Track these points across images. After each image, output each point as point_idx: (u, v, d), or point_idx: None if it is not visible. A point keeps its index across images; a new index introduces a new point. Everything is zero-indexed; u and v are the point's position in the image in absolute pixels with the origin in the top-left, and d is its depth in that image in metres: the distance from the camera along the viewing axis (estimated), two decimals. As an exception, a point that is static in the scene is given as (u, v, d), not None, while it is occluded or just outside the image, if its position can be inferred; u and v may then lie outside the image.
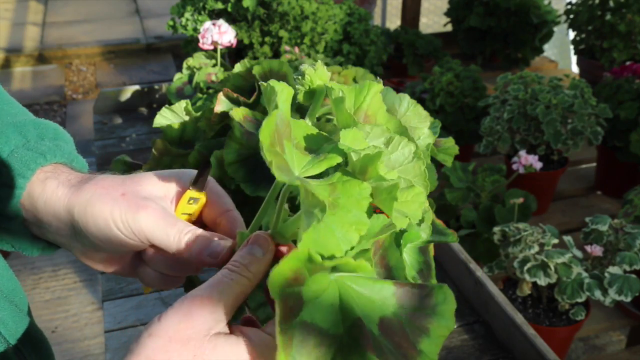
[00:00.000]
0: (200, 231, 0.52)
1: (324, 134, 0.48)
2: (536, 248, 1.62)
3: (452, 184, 2.05)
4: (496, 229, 1.73)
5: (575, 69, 3.46)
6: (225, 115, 1.00)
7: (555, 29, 3.31)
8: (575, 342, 2.24)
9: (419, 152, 0.48)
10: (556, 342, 1.66)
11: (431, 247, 0.58)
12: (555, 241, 1.64)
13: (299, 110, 0.70)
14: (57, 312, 2.48)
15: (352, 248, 0.43)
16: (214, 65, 1.67)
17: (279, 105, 0.46)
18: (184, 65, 1.69)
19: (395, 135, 0.48)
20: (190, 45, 2.70)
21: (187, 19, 2.48)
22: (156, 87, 2.07)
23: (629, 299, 1.58)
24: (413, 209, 0.44)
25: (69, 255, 2.76)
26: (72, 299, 2.55)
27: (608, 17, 2.96)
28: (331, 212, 0.41)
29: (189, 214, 0.55)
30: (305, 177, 0.44)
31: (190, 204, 0.54)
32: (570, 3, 3.15)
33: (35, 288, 2.60)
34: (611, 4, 2.98)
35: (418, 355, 0.42)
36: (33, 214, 0.55)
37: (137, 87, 2.07)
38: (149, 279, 0.56)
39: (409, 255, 0.54)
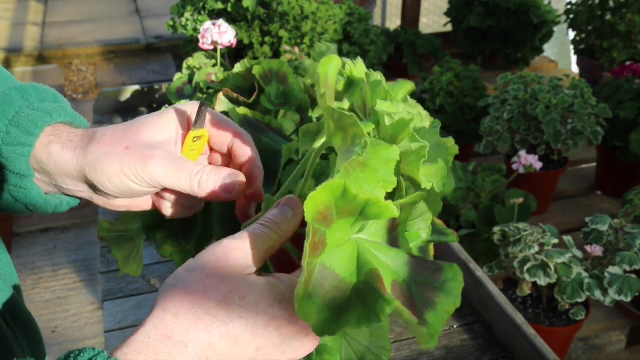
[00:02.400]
0: (210, 168, 0.54)
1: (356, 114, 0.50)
2: (536, 248, 1.62)
3: (452, 184, 2.05)
4: (496, 229, 1.72)
5: (575, 69, 3.46)
6: (225, 115, 1.00)
7: (555, 29, 3.31)
8: (575, 342, 2.24)
9: (442, 141, 0.51)
10: (556, 342, 1.66)
11: (431, 247, 0.58)
12: (555, 241, 1.64)
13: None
14: (57, 312, 2.48)
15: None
16: (214, 65, 1.67)
17: (329, 71, 0.49)
18: (184, 65, 1.69)
19: (423, 125, 0.50)
20: (190, 45, 2.70)
21: (187, 19, 2.48)
22: (156, 87, 2.07)
23: (629, 299, 1.58)
24: (436, 181, 0.48)
25: (69, 255, 2.76)
26: (72, 299, 2.55)
27: (608, 17, 2.96)
28: (361, 170, 0.44)
29: (196, 150, 0.57)
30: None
31: (195, 141, 0.57)
32: (570, 3, 3.15)
33: (35, 288, 2.60)
34: (611, 4, 2.98)
35: (424, 323, 0.43)
36: (45, 175, 0.57)
37: (137, 87, 2.07)
38: (171, 211, 0.59)
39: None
